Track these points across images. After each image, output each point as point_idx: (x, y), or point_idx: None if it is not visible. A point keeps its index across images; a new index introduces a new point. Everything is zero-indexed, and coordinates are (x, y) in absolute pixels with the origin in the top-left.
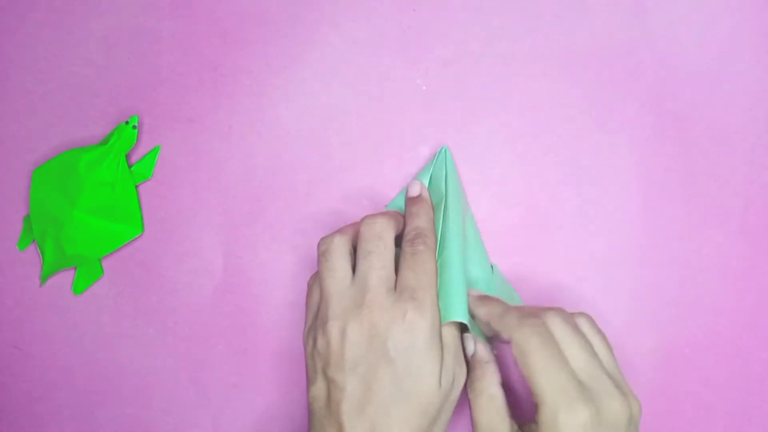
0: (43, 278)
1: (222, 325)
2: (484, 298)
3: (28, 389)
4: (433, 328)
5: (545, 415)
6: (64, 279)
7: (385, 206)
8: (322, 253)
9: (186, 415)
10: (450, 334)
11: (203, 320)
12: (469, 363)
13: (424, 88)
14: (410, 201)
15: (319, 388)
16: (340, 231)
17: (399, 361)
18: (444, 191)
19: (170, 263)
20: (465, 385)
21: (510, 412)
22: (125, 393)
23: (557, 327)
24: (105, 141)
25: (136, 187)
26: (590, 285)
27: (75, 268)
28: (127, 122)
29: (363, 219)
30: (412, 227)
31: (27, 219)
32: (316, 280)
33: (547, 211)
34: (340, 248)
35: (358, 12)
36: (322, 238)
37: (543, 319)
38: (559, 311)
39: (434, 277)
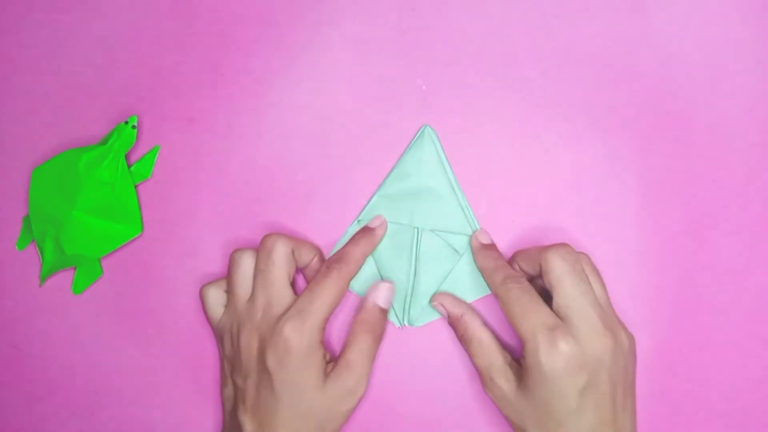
0: (43, 278)
1: None
2: (484, 249)
3: (28, 389)
4: (309, 351)
5: (528, 354)
6: (64, 279)
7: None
8: (229, 270)
9: (186, 415)
10: (357, 352)
11: (203, 320)
12: (450, 324)
13: (424, 88)
14: (362, 229)
15: (229, 389)
16: (249, 248)
17: (276, 374)
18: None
19: (170, 263)
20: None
21: (503, 346)
22: (125, 393)
23: (556, 264)
24: (104, 141)
25: (136, 187)
26: None
27: (75, 268)
28: (126, 122)
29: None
30: (342, 250)
31: (27, 219)
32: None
33: (547, 211)
34: (242, 265)
35: (358, 12)
36: (234, 252)
37: (542, 259)
38: (559, 251)
39: (329, 304)
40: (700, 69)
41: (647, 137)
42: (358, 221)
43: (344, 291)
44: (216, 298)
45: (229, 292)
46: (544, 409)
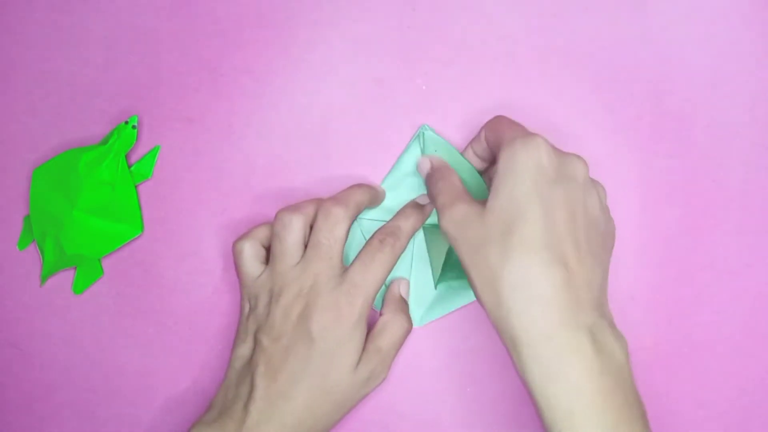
0: (43, 278)
1: (222, 325)
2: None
3: (28, 389)
4: (357, 325)
5: (504, 156)
6: (64, 279)
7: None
8: (278, 232)
9: (186, 415)
10: (388, 339)
11: (203, 320)
12: (426, 177)
13: (424, 88)
14: (413, 204)
15: (246, 347)
16: (299, 210)
17: (317, 342)
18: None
19: (170, 263)
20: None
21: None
22: (125, 393)
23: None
24: (105, 141)
25: (136, 187)
26: None
27: (75, 268)
28: (126, 122)
29: (321, 205)
30: (394, 224)
31: (27, 219)
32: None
33: None
34: (295, 230)
35: (358, 12)
36: (282, 212)
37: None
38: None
39: (381, 279)
40: (700, 69)
41: (647, 137)
42: (358, 220)
43: (394, 266)
44: (253, 253)
45: (276, 254)
46: (512, 208)
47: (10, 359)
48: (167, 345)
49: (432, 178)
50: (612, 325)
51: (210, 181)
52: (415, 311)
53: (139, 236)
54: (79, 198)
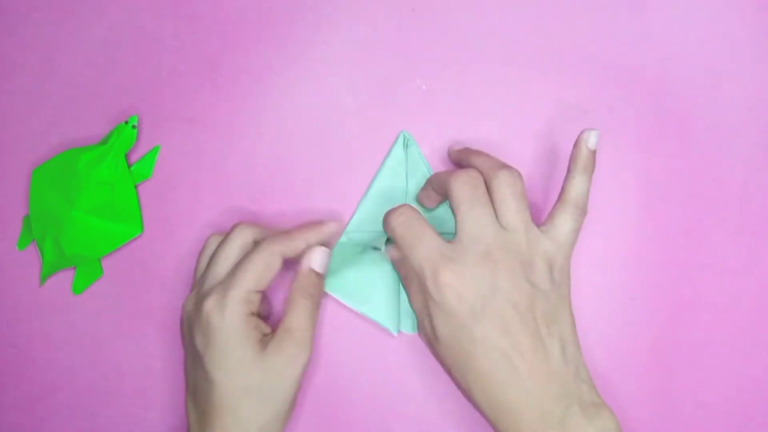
0: (43, 278)
1: None
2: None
3: (28, 389)
4: (234, 323)
5: (424, 289)
6: (64, 279)
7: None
8: (229, 236)
9: (185, 415)
10: (297, 318)
11: None
12: (396, 267)
13: (424, 88)
14: (314, 223)
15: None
16: (254, 226)
17: (204, 354)
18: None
19: (170, 263)
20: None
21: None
22: (125, 393)
23: (455, 192)
24: (105, 141)
25: (136, 186)
26: (590, 285)
27: (75, 268)
28: (126, 122)
29: (266, 238)
30: (282, 230)
31: (27, 219)
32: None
33: (547, 211)
34: (238, 238)
35: (358, 12)
36: (241, 224)
37: (445, 184)
38: (461, 177)
39: (252, 275)
40: (700, 69)
41: (647, 137)
42: (347, 233)
43: (273, 266)
44: (212, 251)
45: (213, 259)
46: (453, 345)
47: (10, 359)
48: (167, 345)
49: (401, 272)
50: (586, 406)
51: (210, 181)
52: (406, 318)
53: (139, 236)
54: (78, 198)
